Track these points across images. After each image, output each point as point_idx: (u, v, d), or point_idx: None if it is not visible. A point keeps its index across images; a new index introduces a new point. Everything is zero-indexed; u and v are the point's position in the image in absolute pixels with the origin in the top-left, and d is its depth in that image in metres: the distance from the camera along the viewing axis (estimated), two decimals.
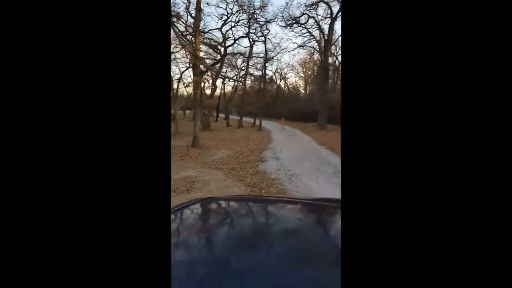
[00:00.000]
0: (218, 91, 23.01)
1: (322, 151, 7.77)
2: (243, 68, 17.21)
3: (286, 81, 29.43)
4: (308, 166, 5.78)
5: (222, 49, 15.12)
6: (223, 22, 14.55)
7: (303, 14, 14.70)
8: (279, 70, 27.11)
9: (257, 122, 15.33)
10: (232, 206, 1.17)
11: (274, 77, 26.16)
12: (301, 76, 29.06)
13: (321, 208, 1.10)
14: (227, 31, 14.84)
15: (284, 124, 16.07)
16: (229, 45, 15.24)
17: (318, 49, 16.24)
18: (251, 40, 15.91)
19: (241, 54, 16.83)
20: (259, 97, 16.33)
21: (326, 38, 14.54)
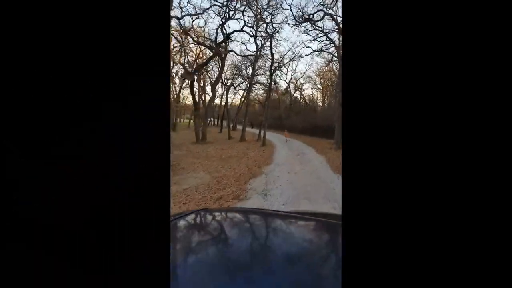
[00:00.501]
0: (225, 100, 22.13)
1: (336, 184, 4.77)
2: (249, 75, 16.01)
3: (302, 92, 28.12)
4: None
5: (222, 50, 14.07)
6: (223, 20, 13.21)
7: (318, 10, 12.09)
8: (293, 80, 25.83)
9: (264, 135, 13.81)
10: (226, 221, 0.96)
11: (288, 88, 25.05)
12: (319, 88, 27.30)
13: (333, 227, 0.93)
14: (220, 25, 13.10)
15: (289, 137, 15.47)
16: (220, 42, 13.62)
17: (336, 56, 13.22)
18: (257, 43, 14.76)
19: (235, 52, 15.38)
20: (267, 108, 15.40)
21: None
